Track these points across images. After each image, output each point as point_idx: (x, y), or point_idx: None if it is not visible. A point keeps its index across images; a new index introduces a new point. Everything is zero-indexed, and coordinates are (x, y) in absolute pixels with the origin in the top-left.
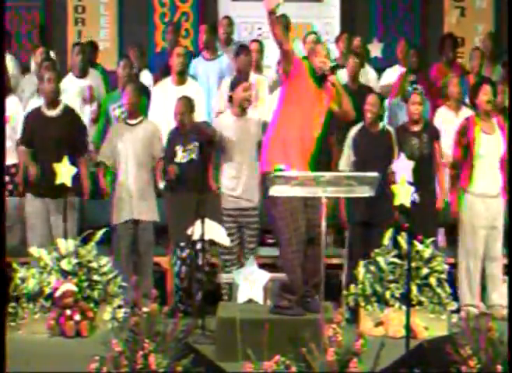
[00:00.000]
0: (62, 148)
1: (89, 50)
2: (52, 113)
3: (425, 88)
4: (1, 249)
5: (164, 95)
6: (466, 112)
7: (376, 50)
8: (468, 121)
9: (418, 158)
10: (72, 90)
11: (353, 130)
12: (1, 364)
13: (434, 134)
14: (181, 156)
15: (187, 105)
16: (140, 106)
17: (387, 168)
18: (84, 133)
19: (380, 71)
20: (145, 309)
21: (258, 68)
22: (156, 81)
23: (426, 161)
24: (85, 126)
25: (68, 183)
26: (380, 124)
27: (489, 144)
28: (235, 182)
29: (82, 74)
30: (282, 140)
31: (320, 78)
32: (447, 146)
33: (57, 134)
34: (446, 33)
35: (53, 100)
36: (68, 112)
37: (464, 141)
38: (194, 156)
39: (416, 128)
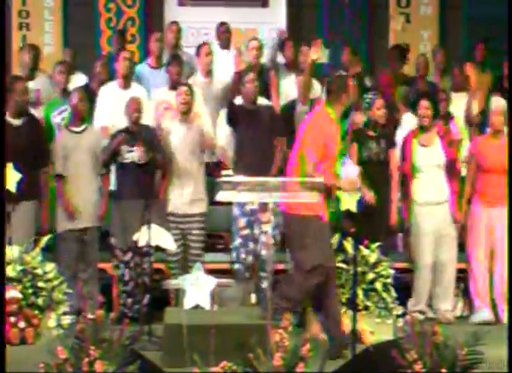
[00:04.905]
0: (25, 158)
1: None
2: (17, 122)
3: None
4: (1, 248)
5: (111, 99)
6: (410, 116)
7: (322, 56)
8: (407, 135)
9: (374, 163)
10: None
11: None
12: (2, 364)
13: (391, 142)
14: (126, 156)
15: (139, 105)
16: (86, 112)
17: None
18: (45, 143)
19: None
20: (90, 316)
21: (209, 72)
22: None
23: (381, 167)
24: (45, 135)
25: (12, 189)
26: None
27: (425, 156)
28: (179, 187)
29: (30, 76)
30: None
31: None
32: None
33: (21, 144)
34: (394, 43)
35: (21, 110)
36: (32, 121)
37: (405, 153)
38: (136, 159)
39: (374, 133)
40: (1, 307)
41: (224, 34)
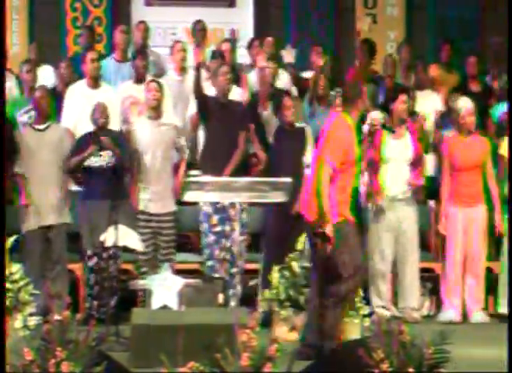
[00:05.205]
0: None
1: None
2: None
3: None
4: (1, 247)
5: (79, 99)
6: (374, 113)
7: (289, 56)
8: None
9: None
10: None
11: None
12: (2, 364)
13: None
14: (94, 160)
15: (105, 110)
16: (50, 110)
17: (302, 162)
18: (11, 139)
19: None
20: (57, 317)
21: (182, 69)
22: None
23: None
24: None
25: None
26: (297, 124)
27: (396, 149)
28: (149, 185)
29: None
30: None
31: None
32: None
33: None
34: (362, 38)
35: None
36: None
37: (374, 144)
38: (104, 163)
39: None
40: (1, 307)
41: (200, 32)
